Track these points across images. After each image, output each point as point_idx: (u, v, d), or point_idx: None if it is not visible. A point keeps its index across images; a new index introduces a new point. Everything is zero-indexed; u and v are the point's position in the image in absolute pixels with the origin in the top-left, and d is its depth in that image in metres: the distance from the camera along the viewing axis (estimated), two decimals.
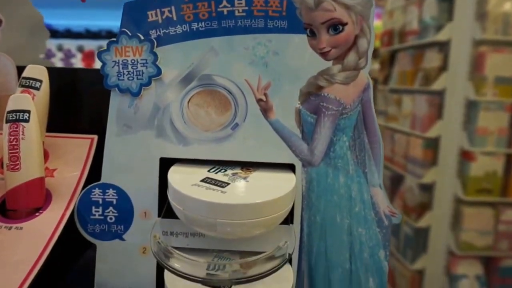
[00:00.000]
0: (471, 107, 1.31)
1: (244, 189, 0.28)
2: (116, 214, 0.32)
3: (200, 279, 0.26)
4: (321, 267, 0.31)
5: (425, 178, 1.32)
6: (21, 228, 0.31)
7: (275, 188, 0.28)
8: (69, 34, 2.34)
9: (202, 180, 0.29)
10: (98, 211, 0.32)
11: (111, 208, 0.32)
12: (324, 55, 0.30)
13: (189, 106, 0.32)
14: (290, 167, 0.31)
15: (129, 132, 0.32)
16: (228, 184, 0.29)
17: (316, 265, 0.31)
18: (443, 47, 1.33)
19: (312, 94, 0.31)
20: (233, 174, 0.30)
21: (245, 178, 0.30)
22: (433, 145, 1.34)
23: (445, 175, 1.35)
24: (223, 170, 0.31)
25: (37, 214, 0.32)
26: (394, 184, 1.50)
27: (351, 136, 0.31)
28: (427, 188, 1.33)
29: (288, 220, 0.31)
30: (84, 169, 0.36)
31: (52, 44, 2.27)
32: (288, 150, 0.31)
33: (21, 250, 0.30)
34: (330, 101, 0.31)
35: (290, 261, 0.31)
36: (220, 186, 0.28)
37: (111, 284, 0.32)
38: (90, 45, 2.36)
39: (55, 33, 2.26)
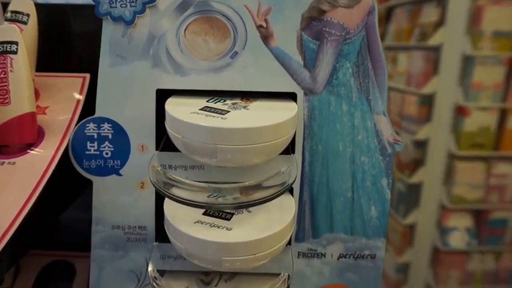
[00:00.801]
0: (467, 62, 1.29)
1: (245, 116, 0.27)
2: (112, 149, 0.31)
3: (202, 204, 0.25)
4: (323, 197, 0.30)
5: (419, 135, 1.32)
6: (13, 163, 0.30)
7: (277, 115, 0.27)
8: None
9: (201, 109, 0.28)
10: (93, 146, 0.31)
11: (106, 142, 0.31)
12: None
13: (186, 34, 0.30)
14: (292, 96, 0.30)
15: (123, 62, 0.30)
16: (228, 112, 0.28)
17: (318, 195, 0.30)
18: (442, 1, 1.29)
19: (314, 19, 0.29)
20: (233, 104, 0.29)
21: (245, 107, 0.29)
22: (428, 101, 1.33)
23: (439, 131, 1.35)
24: (222, 100, 0.30)
25: (30, 150, 0.31)
26: None
27: (355, 62, 0.30)
28: (421, 145, 1.34)
29: (289, 150, 0.30)
30: (77, 107, 0.34)
31: None
32: (289, 78, 0.30)
33: (14, 185, 0.29)
34: (333, 26, 0.29)
35: (291, 191, 0.31)
36: (220, 113, 0.27)
37: (109, 220, 0.31)
38: None
39: None
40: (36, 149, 0.31)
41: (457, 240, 1.35)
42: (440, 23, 1.31)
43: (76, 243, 0.37)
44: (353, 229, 0.31)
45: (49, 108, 0.34)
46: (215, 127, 0.26)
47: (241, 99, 0.30)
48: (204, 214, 0.28)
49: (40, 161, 0.30)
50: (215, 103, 0.29)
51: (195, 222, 0.27)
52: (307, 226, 0.31)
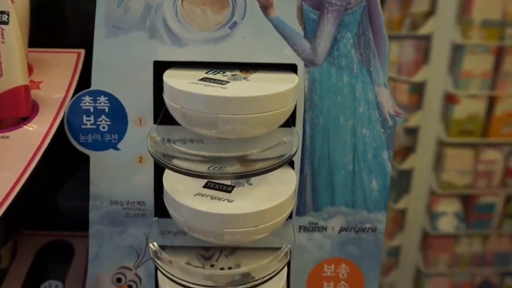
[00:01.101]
0: (457, 51, 1.30)
1: (245, 86, 0.27)
2: (109, 123, 0.30)
3: (203, 174, 0.25)
4: (324, 170, 0.30)
5: (410, 122, 1.33)
6: (7, 137, 0.29)
7: (277, 85, 0.27)
8: None
9: (201, 79, 0.27)
10: (89, 120, 0.30)
11: (103, 116, 0.30)
12: None
13: (184, 4, 0.29)
14: (292, 68, 0.29)
15: (119, 33, 0.29)
16: (228, 82, 0.27)
17: (319, 168, 0.30)
18: None
19: None
20: (233, 75, 0.28)
21: (245, 78, 0.28)
22: (418, 89, 1.34)
23: (429, 119, 1.35)
24: (221, 72, 0.29)
25: (23, 124, 0.30)
26: None
27: (356, 33, 0.29)
28: (412, 132, 1.34)
29: (290, 122, 0.29)
30: (72, 81, 0.33)
31: None
32: (289, 49, 0.29)
33: (8, 160, 0.28)
34: None
35: (292, 165, 0.30)
36: (220, 83, 0.26)
37: (107, 196, 0.30)
38: None
39: None
40: (30, 124, 0.30)
41: (446, 224, 1.37)
42: (430, 12, 1.31)
43: (74, 222, 0.36)
44: (354, 202, 0.30)
45: (43, 83, 0.33)
46: (216, 95, 0.25)
47: (241, 71, 0.29)
48: (205, 187, 0.27)
49: (34, 135, 0.29)
50: (214, 74, 0.28)
51: (195, 195, 0.26)
52: (308, 199, 0.30)
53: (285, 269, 0.29)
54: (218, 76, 0.28)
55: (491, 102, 1.32)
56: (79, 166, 0.33)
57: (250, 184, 0.28)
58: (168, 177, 0.28)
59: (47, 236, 0.37)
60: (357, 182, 0.30)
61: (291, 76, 0.29)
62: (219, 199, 0.26)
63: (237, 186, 0.27)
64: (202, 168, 0.25)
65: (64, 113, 0.30)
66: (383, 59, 0.29)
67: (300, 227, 0.31)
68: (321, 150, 0.30)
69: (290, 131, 0.29)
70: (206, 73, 0.28)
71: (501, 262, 1.41)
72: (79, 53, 0.35)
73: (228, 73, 0.28)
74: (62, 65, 0.34)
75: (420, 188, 1.37)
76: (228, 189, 0.27)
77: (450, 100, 1.32)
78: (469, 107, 1.31)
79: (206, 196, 0.26)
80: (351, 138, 0.30)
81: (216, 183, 0.27)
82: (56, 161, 0.30)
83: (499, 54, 1.29)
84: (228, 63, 0.29)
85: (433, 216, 1.37)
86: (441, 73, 1.31)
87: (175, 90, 0.26)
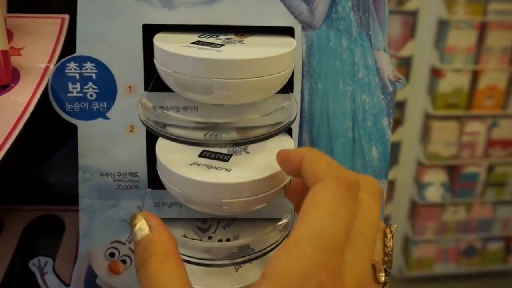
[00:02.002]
0: (443, 26, 1.28)
1: (241, 49, 0.24)
2: (97, 90, 0.27)
3: (198, 141, 0.23)
4: (323, 137, 0.28)
5: (397, 96, 1.31)
6: None
7: (274, 48, 0.24)
8: None
9: (194, 43, 0.25)
10: (75, 88, 0.27)
11: (90, 83, 0.27)
12: None
13: None
14: (289, 31, 0.27)
15: None
16: (222, 45, 0.24)
17: (318, 135, 0.28)
18: None
19: None
20: (227, 39, 0.26)
21: (240, 41, 0.26)
22: (405, 63, 1.32)
23: (416, 92, 1.34)
24: (215, 36, 0.26)
25: (3, 92, 0.27)
26: None
27: None
28: (400, 105, 1.33)
29: (288, 89, 0.27)
30: (56, 48, 0.30)
31: None
32: (286, 11, 0.26)
33: None
34: None
35: (290, 133, 0.28)
36: (214, 47, 0.24)
37: (97, 167, 0.28)
38: None
39: None
40: (11, 92, 0.27)
41: (433, 194, 1.38)
42: None
43: (64, 196, 0.34)
44: (354, 170, 0.29)
45: (24, 49, 0.30)
46: (210, 58, 0.22)
47: (235, 35, 0.27)
48: (200, 156, 0.25)
49: (16, 104, 0.26)
50: (207, 38, 0.26)
51: (191, 164, 0.24)
52: None
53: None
54: (212, 40, 0.25)
55: (475, 76, 1.32)
56: (67, 137, 0.30)
57: (248, 153, 0.26)
58: (161, 146, 0.26)
59: (35, 210, 0.34)
60: (357, 150, 0.28)
61: (289, 40, 0.26)
62: (216, 168, 0.24)
63: (234, 155, 0.25)
64: (198, 135, 0.23)
65: (48, 80, 0.27)
66: (383, 22, 0.27)
67: None
68: (320, 117, 0.28)
69: (288, 97, 0.27)
70: (199, 36, 0.26)
71: (484, 229, 1.44)
72: (63, 19, 0.32)
73: (222, 37, 0.26)
74: (45, 31, 0.31)
75: (408, 159, 1.37)
76: (225, 158, 0.25)
77: (436, 74, 1.31)
78: (454, 81, 1.30)
79: (203, 166, 0.24)
80: (351, 104, 0.28)
81: (212, 152, 0.25)
82: (40, 132, 0.28)
83: (483, 29, 1.28)
84: (222, 26, 0.27)
85: (420, 186, 1.38)
86: (427, 48, 1.29)
87: (167, 54, 0.23)
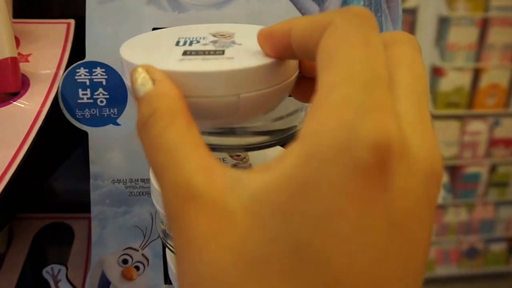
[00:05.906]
0: (443, 23, 1.28)
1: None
2: (107, 96, 0.27)
3: (212, 145, 0.23)
4: None
5: None
6: None
7: None
8: None
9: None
10: (86, 94, 0.27)
11: (100, 89, 0.27)
12: None
13: None
14: None
15: None
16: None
17: None
18: None
19: None
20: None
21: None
22: None
23: None
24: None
25: (13, 100, 0.27)
26: None
27: None
28: None
29: None
30: (64, 53, 0.30)
31: None
32: (297, 12, 0.27)
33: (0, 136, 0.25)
34: None
35: None
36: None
37: (108, 174, 0.28)
38: None
39: None
40: (21, 99, 0.27)
41: None
42: None
43: (71, 204, 0.34)
44: None
45: (32, 56, 0.30)
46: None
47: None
48: (185, 54, 0.18)
49: (27, 112, 0.26)
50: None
51: (180, 61, 0.16)
52: None
53: None
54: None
55: (476, 74, 1.32)
56: (77, 144, 0.30)
57: (240, 44, 0.19)
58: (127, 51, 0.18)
59: (44, 219, 0.34)
60: None
61: None
62: (216, 59, 0.17)
63: (226, 48, 0.18)
64: (212, 139, 0.23)
65: (58, 87, 0.27)
66: (396, 21, 0.27)
67: None
68: None
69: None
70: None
71: (486, 230, 1.44)
72: (68, 24, 0.33)
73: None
74: (51, 37, 0.32)
75: None
76: (219, 52, 0.18)
77: (436, 72, 1.32)
78: (455, 79, 1.31)
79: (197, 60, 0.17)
80: None
81: (199, 50, 0.18)
82: (52, 139, 0.28)
83: (484, 25, 1.28)
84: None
85: None
86: (428, 46, 1.30)
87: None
